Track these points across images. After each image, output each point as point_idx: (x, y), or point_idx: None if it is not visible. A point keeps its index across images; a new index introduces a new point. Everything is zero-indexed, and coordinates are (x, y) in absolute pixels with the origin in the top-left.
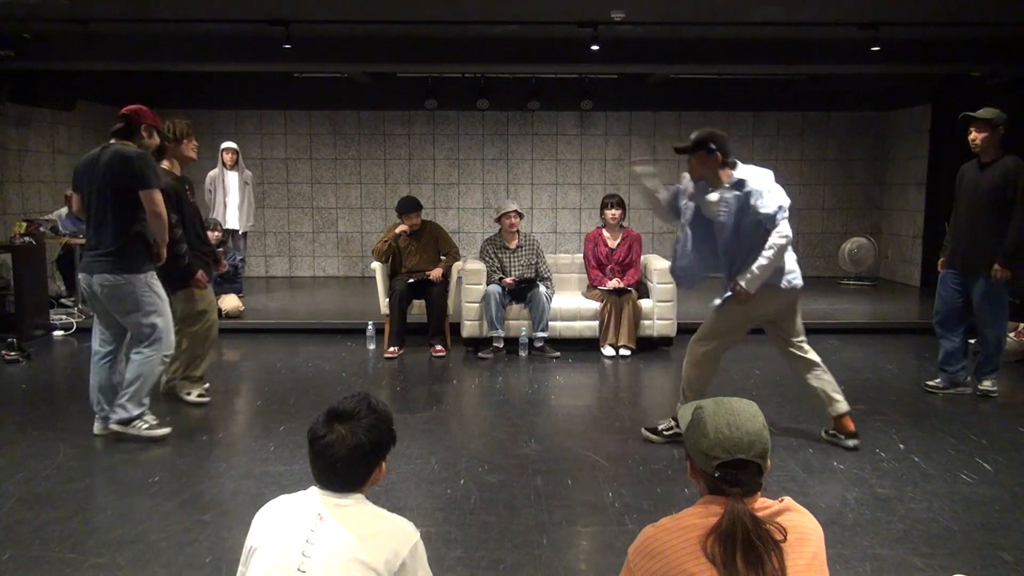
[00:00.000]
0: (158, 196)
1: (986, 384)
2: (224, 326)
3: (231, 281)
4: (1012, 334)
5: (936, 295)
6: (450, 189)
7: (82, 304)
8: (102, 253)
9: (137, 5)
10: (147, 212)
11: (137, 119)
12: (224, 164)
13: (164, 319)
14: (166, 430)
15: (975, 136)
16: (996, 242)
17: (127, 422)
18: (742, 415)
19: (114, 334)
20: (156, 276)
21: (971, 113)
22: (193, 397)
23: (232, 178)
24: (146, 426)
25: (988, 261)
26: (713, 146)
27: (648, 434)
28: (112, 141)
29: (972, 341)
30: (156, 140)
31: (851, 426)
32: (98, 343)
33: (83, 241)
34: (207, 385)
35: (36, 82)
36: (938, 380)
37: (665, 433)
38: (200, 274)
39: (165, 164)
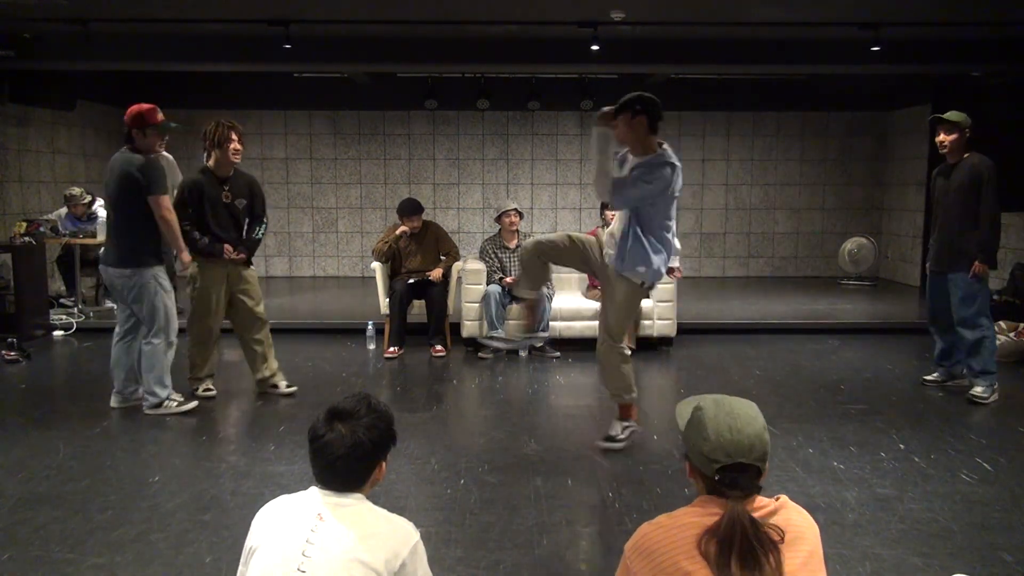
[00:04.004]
0: (163, 200)
1: (977, 390)
2: (224, 326)
3: None
4: (1012, 334)
5: (927, 297)
6: (450, 189)
7: (91, 302)
8: (114, 247)
9: (137, 5)
10: (155, 216)
11: (129, 125)
12: None
13: (166, 310)
14: (193, 404)
15: (943, 138)
16: (966, 240)
17: (157, 405)
18: (742, 418)
19: (128, 316)
20: (163, 271)
21: (941, 116)
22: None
23: None
24: (175, 403)
25: (959, 260)
26: (639, 107)
27: (606, 444)
28: (124, 148)
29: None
30: (152, 138)
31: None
32: (118, 325)
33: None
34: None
35: (36, 82)
36: (935, 374)
37: (622, 438)
38: (228, 248)
39: (210, 163)
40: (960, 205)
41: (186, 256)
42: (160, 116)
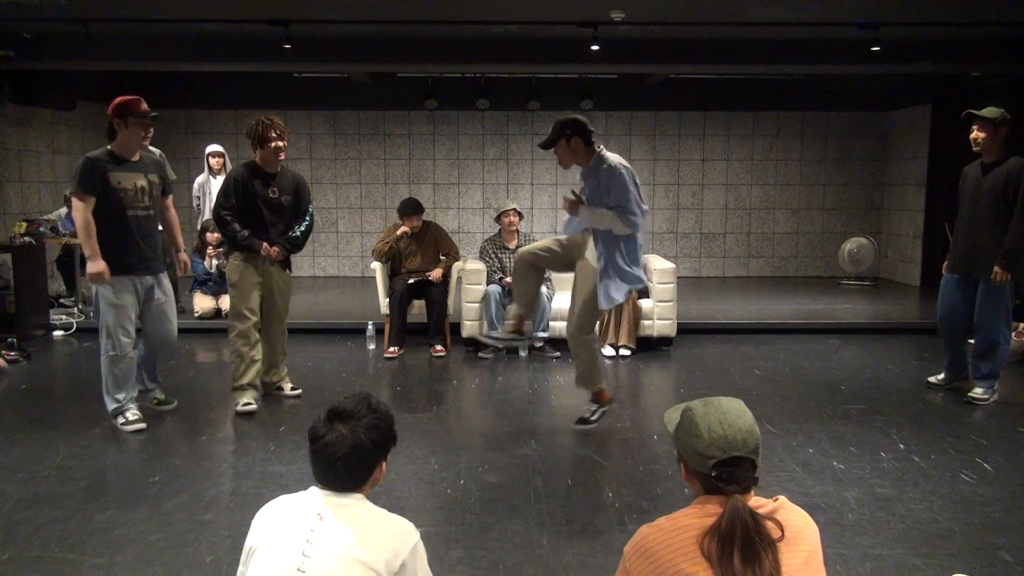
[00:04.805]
0: (76, 202)
1: (976, 391)
2: (224, 326)
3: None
4: (1012, 334)
5: (938, 298)
6: (450, 189)
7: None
8: None
9: (137, 5)
10: None
11: (112, 115)
12: (211, 169)
13: (107, 320)
14: (137, 427)
15: (976, 135)
16: (996, 244)
17: (112, 415)
18: (732, 412)
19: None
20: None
21: (974, 111)
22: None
23: (218, 184)
24: (121, 420)
25: (988, 263)
26: (570, 131)
27: (580, 426)
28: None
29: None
30: (134, 129)
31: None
32: None
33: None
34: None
35: (36, 82)
36: (941, 376)
37: (594, 419)
38: (266, 246)
39: (256, 159)
40: (992, 208)
41: (92, 266)
42: (143, 107)
